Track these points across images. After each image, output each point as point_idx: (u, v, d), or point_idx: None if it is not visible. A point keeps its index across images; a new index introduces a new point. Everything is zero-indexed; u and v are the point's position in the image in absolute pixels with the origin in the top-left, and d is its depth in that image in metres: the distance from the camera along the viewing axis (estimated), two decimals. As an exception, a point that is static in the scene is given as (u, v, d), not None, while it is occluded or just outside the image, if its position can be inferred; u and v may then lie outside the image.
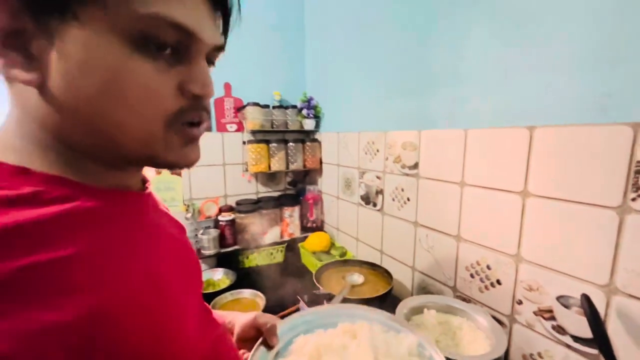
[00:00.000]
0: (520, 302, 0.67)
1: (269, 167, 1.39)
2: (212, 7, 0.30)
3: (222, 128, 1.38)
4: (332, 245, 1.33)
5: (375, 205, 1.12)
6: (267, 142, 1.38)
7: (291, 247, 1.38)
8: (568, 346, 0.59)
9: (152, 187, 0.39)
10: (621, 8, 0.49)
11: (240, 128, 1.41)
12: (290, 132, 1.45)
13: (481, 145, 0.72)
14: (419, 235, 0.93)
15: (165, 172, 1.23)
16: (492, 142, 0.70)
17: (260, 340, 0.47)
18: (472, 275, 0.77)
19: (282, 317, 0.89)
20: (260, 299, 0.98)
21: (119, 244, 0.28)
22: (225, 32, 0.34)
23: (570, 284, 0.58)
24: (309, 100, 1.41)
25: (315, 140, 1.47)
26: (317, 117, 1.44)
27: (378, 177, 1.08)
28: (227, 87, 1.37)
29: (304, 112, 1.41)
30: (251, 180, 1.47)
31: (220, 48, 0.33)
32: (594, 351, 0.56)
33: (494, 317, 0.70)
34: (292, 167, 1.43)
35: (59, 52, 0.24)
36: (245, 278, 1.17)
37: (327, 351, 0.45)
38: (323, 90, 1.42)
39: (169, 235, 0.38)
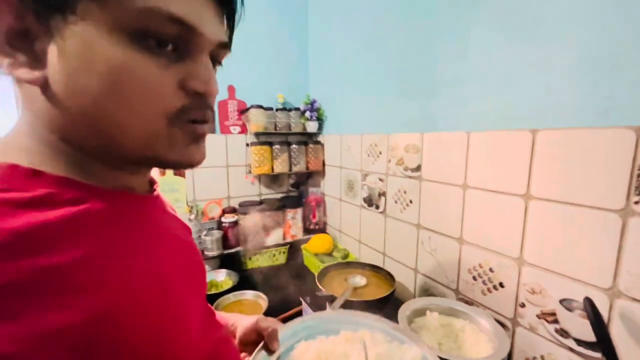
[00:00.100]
0: (523, 305, 0.67)
1: (272, 169, 1.40)
2: (215, 3, 0.29)
3: (225, 130, 1.39)
4: (335, 247, 1.33)
5: (377, 207, 1.12)
6: (270, 144, 1.38)
7: (294, 248, 1.38)
8: (571, 349, 0.59)
9: (159, 189, 0.39)
10: (624, 11, 0.49)
11: (243, 130, 1.42)
12: (293, 135, 1.46)
13: (484, 147, 0.73)
14: (421, 238, 0.93)
15: (169, 174, 1.24)
16: (494, 145, 0.70)
17: (261, 344, 0.47)
18: (474, 278, 0.77)
19: (285, 319, 0.90)
20: (263, 301, 0.98)
21: (124, 246, 0.28)
22: (230, 30, 0.33)
23: (573, 287, 0.58)
24: (312, 103, 1.42)
25: (318, 142, 1.48)
26: (320, 120, 1.44)
27: (380, 180, 1.08)
28: (231, 89, 1.38)
29: (307, 114, 1.41)
30: (254, 182, 1.47)
31: (225, 46, 0.32)
32: (598, 355, 0.56)
33: (497, 320, 0.70)
34: (295, 169, 1.43)
35: (60, 51, 0.24)
36: (248, 279, 1.17)
37: (329, 359, 0.45)
38: (326, 92, 1.43)
39: (175, 237, 0.38)
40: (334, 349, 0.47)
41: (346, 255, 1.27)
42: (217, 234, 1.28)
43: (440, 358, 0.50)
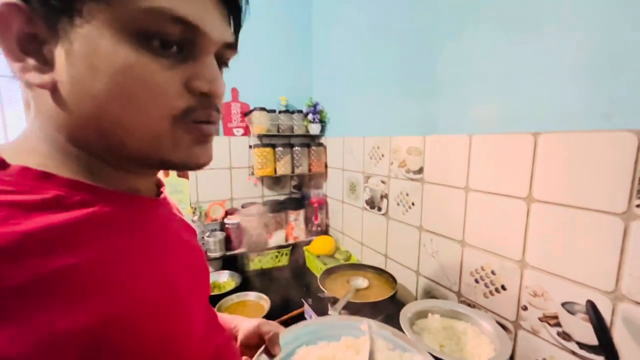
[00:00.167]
0: (525, 308, 0.67)
1: (275, 171, 1.41)
2: (220, 4, 0.29)
3: (229, 132, 1.40)
4: (337, 249, 1.34)
5: (380, 209, 1.12)
6: (273, 146, 1.39)
7: (296, 250, 1.39)
8: (574, 353, 0.59)
9: (166, 191, 0.39)
10: (626, 15, 0.50)
11: (246, 132, 1.43)
12: (296, 137, 1.47)
13: (486, 150, 0.73)
14: (423, 240, 0.93)
15: (173, 175, 1.25)
16: (496, 148, 0.70)
17: (262, 348, 0.47)
18: (476, 281, 0.77)
19: (287, 320, 0.90)
20: (265, 302, 0.99)
21: (131, 249, 0.28)
22: (236, 31, 0.33)
23: (575, 290, 0.58)
24: (314, 105, 1.43)
25: (321, 144, 1.49)
26: (322, 122, 1.45)
27: (383, 182, 1.09)
28: (234, 92, 1.39)
29: (310, 116, 1.42)
30: (257, 183, 1.48)
31: (231, 46, 0.32)
32: (600, 358, 0.55)
33: (499, 323, 0.70)
34: (298, 171, 1.44)
35: (67, 54, 0.25)
36: (250, 281, 1.18)
37: None
38: (329, 95, 1.44)
39: (180, 240, 0.38)
40: (335, 355, 0.47)
41: (348, 257, 1.27)
42: (220, 235, 1.29)
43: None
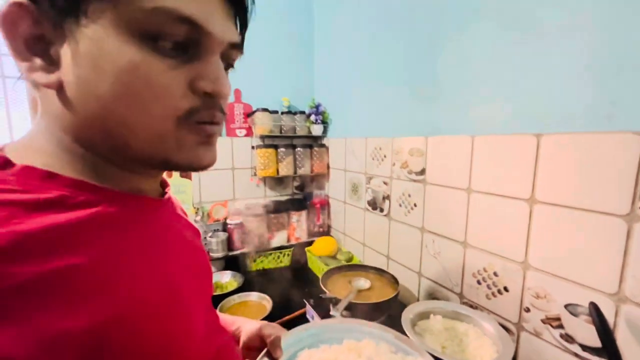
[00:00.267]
0: (527, 310, 0.67)
1: (277, 171, 1.41)
2: (226, 4, 0.29)
3: (231, 133, 1.41)
4: (339, 250, 1.34)
5: (382, 210, 1.12)
6: (276, 147, 1.40)
7: (298, 251, 1.39)
8: (577, 355, 0.59)
9: (170, 191, 0.39)
10: (628, 16, 0.49)
11: (249, 133, 1.43)
12: (299, 138, 1.48)
13: (488, 151, 0.73)
14: (425, 241, 0.93)
15: (176, 176, 1.26)
16: (499, 149, 0.70)
17: (264, 351, 0.47)
18: (479, 282, 0.77)
19: (289, 321, 0.90)
20: (267, 302, 0.99)
21: (134, 250, 0.28)
22: (242, 32, 0.33)
23: (578, 292, 0.58)
24: (317, 106, 1.43)
25: (323, 145, 1.49)
26: (324, 123, 1.45)
27: (385, 183, 1.09)
28: (237, 93, 1.40)
29: (312, 117, 1.43)
30: (259, 184, 1.49)
31: (237, 47, 0.31)
32: (603, 361, 0.55)
33: (501, 325, 0.70)
34: (300, 171, 1.44)
35: (73, 53, 0.25)
36: (252, 281, 1.18)
37: None
38: (331, 96, 1.44)
39: (184, 241, 0.38)
40: (337, 358, 0.47)
41: (350, 258, 1.27)
42: (222, 235, 1.29)
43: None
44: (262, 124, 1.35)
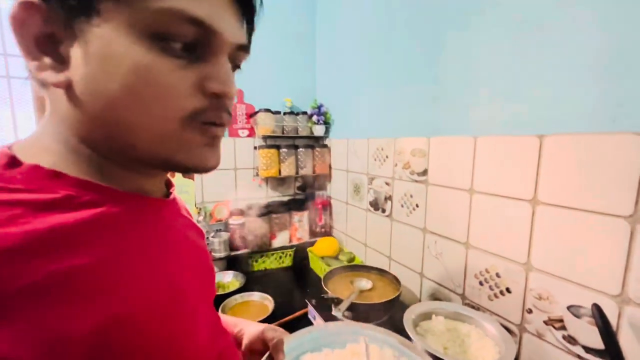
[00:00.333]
0: (530, 311, 0.66)
1: (279, 172, 1.41)
2: (235, 5, 0.29)
3: (234, 133, 1.41)
4: (341, 250, 1.34)
5: (384, 211, 1.12)
6: (278, 147, 1.40)
7: (300, 251, 1.39)
8: (579, 357, 0.58)
9: (175, 192, 0.39)
10: (631, 17, 0.49)
11: (251, 133, 1.44)
12: (301, 138, 1.48)
13: (491, 152, 0.73)
14: (427, 242, 0.93)
15: (179, 176, 1.26)
16: (501, 150, 0.70)
17: (266, 355, 0.47)
18: (481, 283, 0.77)
19: (290, 321, 0.90)
20: (269, 302, 0.99)
21: (138, 250, 0.28)
22: (249, 33, 0.33)
23: (581, 293, 0.57)
24: (319, 107, 1.44)
25: (325, 146, 1.49)
26: (327, 124, 1.46)
27: (387, 183, 1.09)
28: (240, 93, 1.40)
29: (314, 118, 1.43)
30: (262, 184, 1.49)
31: (244, 48, 0.32)
32: (606, 362, 0.55)
33: (504, 326, 0.69)
34: (302, 172, 1.45)
35: (83, 53, 0.25)
36: (254, 281, 1.18)
37: None
38: (333, 97, 1.44)
39: (187, 241, 0.38)
40: None
41: (352, 259, 1.27)
42: (224, 235, 1.30)
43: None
44: (265, 125, 1.35)
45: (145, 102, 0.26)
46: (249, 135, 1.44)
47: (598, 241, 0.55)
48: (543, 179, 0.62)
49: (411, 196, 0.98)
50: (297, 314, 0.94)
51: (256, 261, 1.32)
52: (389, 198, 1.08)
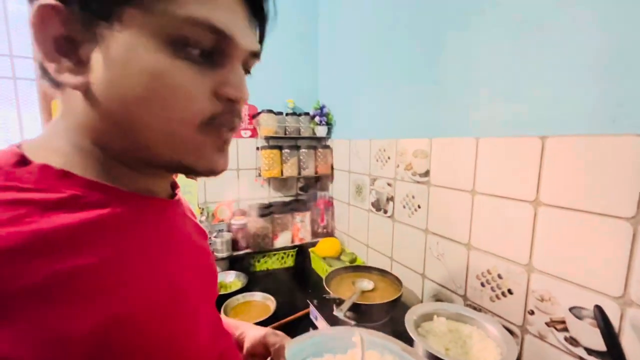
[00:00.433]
0: (532, 313, 0.66)
1: (282, 172, 1.42)
2: (250, 13, 0.30)
3: (236, 134, 1.42)
4: (343, 251, 1.34)
5: (385, 212, 1.12)
6: (280, 148, 1.40)
7: (302, 252, 1.40)
8: (581, 359, 0.58)
9: (180, 193, 0.39)
10: (631, 17, 0.49)
11: (254, 134, 1.45)
12: (303, 139, 1.49)
13: (493, 153, 0.73)
14: (429, 243, 0.93)
15: (182, 176, 1.27)
16: (503, 151, 0.70)
17: None
18: (482, 284, 0.77)
19: (292, 321, 0.90)
20: (271, 302, 1.00)
21: (139, 251, 0.28)
22: (261, 39, 0.34)
23: (583, 295, 0.57)
24: (321, 108, 1.44)
25: (327, 146, 1.50)
26: (329, 124, 1.46)
27: (389, 184, 1.09)
28: (243, 94, 1.41)
29: (317, 119, 1.43)
30: (264, 185, 1.50)
31: (256, 55, 0.33)
32: (608, 364, 0.55)
33: (505, 327, 0.69)
34: (304, 172, 1.45)
35: (104, 57, 0.25)
36: (256, 281, 1.19)
37: None
38: (335, 98, 1.45)
39: (191, 242, 0.38)
40: None
41: (354, 259, 1.27)
42: (226, 235, 1.30)
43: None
44: (267, 125, 1.36)
45: (165, 106, 0.27)
46: (251, 136, 1.44)
47: (600, 243, 0.55)
48: (545, 181, 0.62)
49: (413, 197, 0.98)
50: (299, 314, 0.95)
51: (258, 261, 1.33)
52: (391, 199, 1.09)
